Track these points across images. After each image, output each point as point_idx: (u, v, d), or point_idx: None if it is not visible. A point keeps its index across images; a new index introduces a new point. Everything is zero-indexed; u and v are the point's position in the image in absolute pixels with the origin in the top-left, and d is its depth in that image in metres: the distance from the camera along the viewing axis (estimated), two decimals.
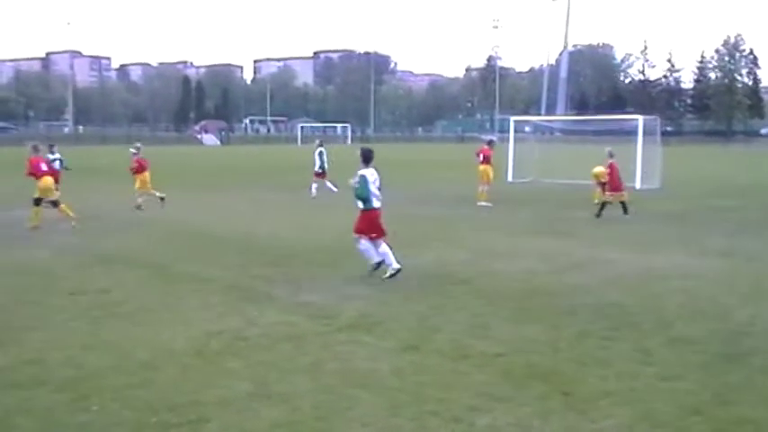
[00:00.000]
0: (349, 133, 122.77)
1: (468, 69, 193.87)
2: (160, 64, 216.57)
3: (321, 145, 27.53)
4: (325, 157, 26.93)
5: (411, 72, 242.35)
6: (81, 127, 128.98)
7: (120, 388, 6.91)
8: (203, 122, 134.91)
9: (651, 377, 7.26)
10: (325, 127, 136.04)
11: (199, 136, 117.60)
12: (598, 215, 20.30)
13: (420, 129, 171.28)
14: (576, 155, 48.82)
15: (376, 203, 12.18)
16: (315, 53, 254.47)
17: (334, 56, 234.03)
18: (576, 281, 11.93)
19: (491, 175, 24.78)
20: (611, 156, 21.10)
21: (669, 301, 10.54)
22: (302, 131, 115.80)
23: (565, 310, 9.96)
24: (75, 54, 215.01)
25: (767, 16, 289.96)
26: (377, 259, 12.01)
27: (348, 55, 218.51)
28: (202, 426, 6.11)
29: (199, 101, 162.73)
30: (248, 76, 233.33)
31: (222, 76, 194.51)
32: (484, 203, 23.50)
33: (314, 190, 26.22)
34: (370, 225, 12.11)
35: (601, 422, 6.16)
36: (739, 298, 10.75)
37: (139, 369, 7.45)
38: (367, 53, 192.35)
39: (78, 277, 12.11)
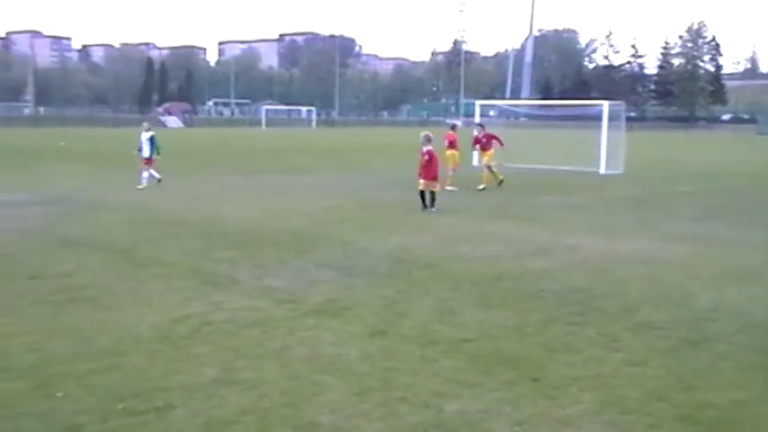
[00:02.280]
0: (314, 116, 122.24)
1: (433, 53, 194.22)
2: (123, 45, 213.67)
3: (150, 129, 24.35)
4: (157, 142, 23.90)
5: (376, 56, 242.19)
6: (41, 108, 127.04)
7: (85, 374, 6.80)
8: (167, 104, 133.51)
9: (618, 363, 7.31)
10: (290, 110, 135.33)
11: (162, 118, 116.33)
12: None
13: (385, 113, 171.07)
14: (540, 140, 49.12)
15: None
16: (280, 36, 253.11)
17: (299, 38, 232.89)
18: (541, 266, 11.98)
19: (457, 159, 24.82)
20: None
21: (634, 286, 10.62)
22: (267, 114, 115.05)
23: (531, 296, 9.99)
24: (36, 34, 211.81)
25: (730, 4, 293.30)
26: None
27: (313, 38, 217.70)
28: (169, 412, 6.03)
29: (162, 83, 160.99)
30: (212, 58, 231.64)
31: (186, 57, 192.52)
32: (450, 188, 23.52)
33: (144, 179, 23.16)
34: None
35: (570, 407, 6.18)
36: (703, 283, 10.86)
37: (104, 355, 7.33)
38: (332, 36, 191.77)
39: (39, 261, 11.90)
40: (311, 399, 6.34)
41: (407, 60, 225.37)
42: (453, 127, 26.32)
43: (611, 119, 32.96)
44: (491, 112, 47.38)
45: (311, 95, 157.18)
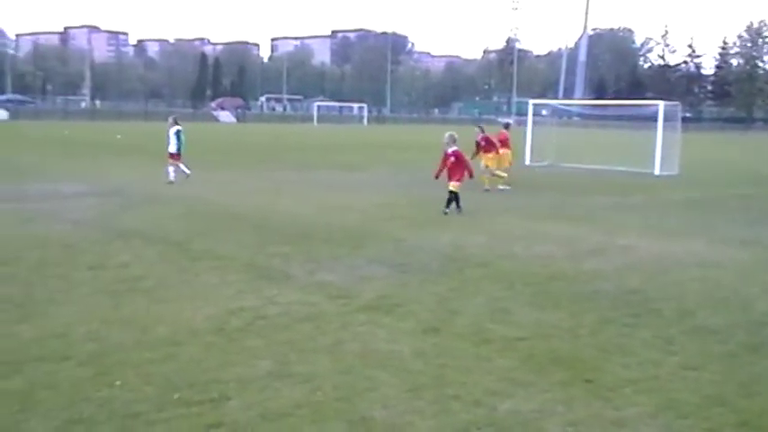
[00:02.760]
0: (365, 113, 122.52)
1: (485, 51, 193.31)
2: (177, 40, 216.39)
3: (177, 123, 23.97)
4: (183, 138, 23.50)
5: (428, 53, 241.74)
6: (98, 102, 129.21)
7: (143, 363, 6.92)
8: (220, 99, 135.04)
9: (674, 366, 7.21)
10: (342, 106, 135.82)
11: (215, 113, 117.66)
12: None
13: (436, 110, 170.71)
14: (594, 140, 48.58)
15: None
16: (332, 32, 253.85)
17: (352, 35, 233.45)
18: (595, 266, 11.87)
19: (510, 159, 24.70)
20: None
21: (689, 289, 10.46)
22: (318, 111, 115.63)
23: (585, 296, 9.91)
24: (93, 29, 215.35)
25: None
26: None
27: (365, 35, 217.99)
28: (224, 404, 6.11)
29: (215, 78, 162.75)
30: (265, 54, 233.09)
31: (239, 53, 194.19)
32: (502, 187, 23.41)
33: (171, 173, 22.92)
34: None
35: (625, 410, 6.12)
36: (762, 288, 10.66)
37: (161, 345, 7.45)
38: (384, 33, 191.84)
39: (98, 252, 12.12)
40: (364, 394, 6.37)
41: (459, 58, 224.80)
42: (507, 126, 26.22)
43: (666, 119, 32.50)
44: (543, 111, 46.94)
45: (363, 92, 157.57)
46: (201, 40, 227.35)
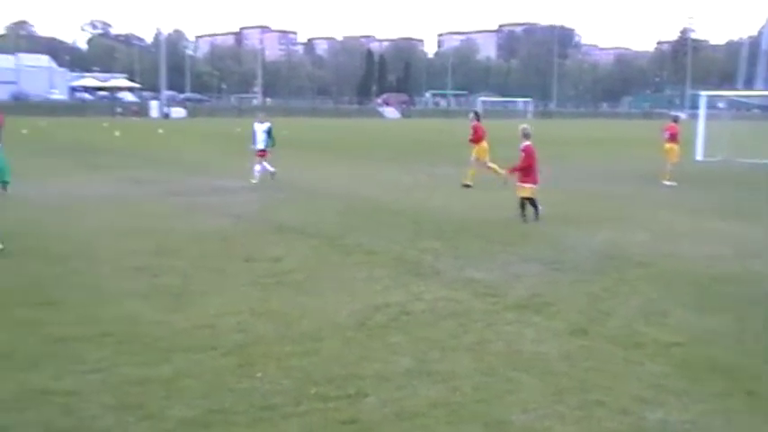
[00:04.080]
0: (531, 108, 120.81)
1: (658, 42, 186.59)
2: (345, 38, 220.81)
3: (265, 120, 22.90)
4: (273, 134, 22.43)
5: (596, 46, 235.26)
6: (269, 99, 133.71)
7: (284, 356, 6.98)
8: (385, 95, 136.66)
9: None
10: (507, 101, 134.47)
11: (380, 109, 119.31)
12: None
13: (605, 104, 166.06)
14: None
15: None
16: (498, 26, 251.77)
17: (518, 29, 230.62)
18: (765, 269, 11.07)
19: (677, 153, 23.60)
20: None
21: None
22: (483, 106, 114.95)
23: (751, 300, 9.24)
24: (265, 29, 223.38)
25: None
26: None
27: (532, 28, 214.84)
28: (360, 400, 6.05)
29: (381, 74, 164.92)
30: (430, 49, 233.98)
31: (405, 49, 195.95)
32: (668, 182, 22.39)
33: (257, 172, 21.90)
34: None
35: None
36: None
37: (303, 339, 7.50)
38: (551, 26, 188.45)
39: (253, 244, 12.44)
40: (504, 396, 6.15)
41: (629, 50, 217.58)
42: (676, 119, 25.05)
43: None
44: (719, 104, 44.62)
45: (528, 87, 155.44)
46: (368, 37, 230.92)
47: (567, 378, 6.54)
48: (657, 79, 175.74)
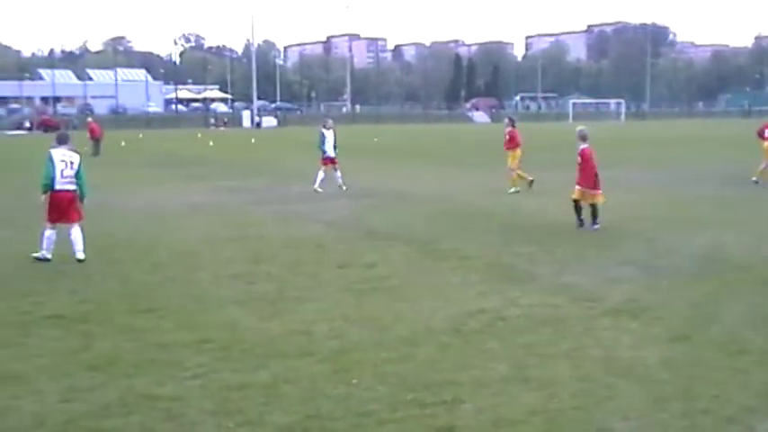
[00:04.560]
0: (623, 109, 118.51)
1: (757, 37, 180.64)
2: (433, 43, 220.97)
3: (331, 127, 22.56)
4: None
5: (692, 43, 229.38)
6: (358, 106, 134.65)
7: (379, 363, 6.99)
8: (474, 100, 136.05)
9: None
10: (598, 103, 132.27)
11: (470, 113, 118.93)
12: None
13: (701, 103, 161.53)
14: None
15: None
16: (588, 27, 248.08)
17: (608, 29, 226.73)
18: None
19: None
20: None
21: None
22: (573, 108, 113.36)
23: None
24: (354, 37, 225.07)
25: None
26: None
27: (623, 27, 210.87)
28: (457, 407, 6.01)
29: (470, 79, 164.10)
30: (519, 52, 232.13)
31: (493, 53, 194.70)
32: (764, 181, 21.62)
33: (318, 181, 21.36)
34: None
35: None
36: None
37: (398, 345, 7.50)
38: (643, 25, 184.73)
39: (346, 251, 12.53)
40: (603, 403, 6.02)
41: (727, 47, 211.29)
42: None
43: None
44: None
45: (620, 87, 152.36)
46: (456, 41, 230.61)
47: (668, 385, 6.36)
48: (757, 76, 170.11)
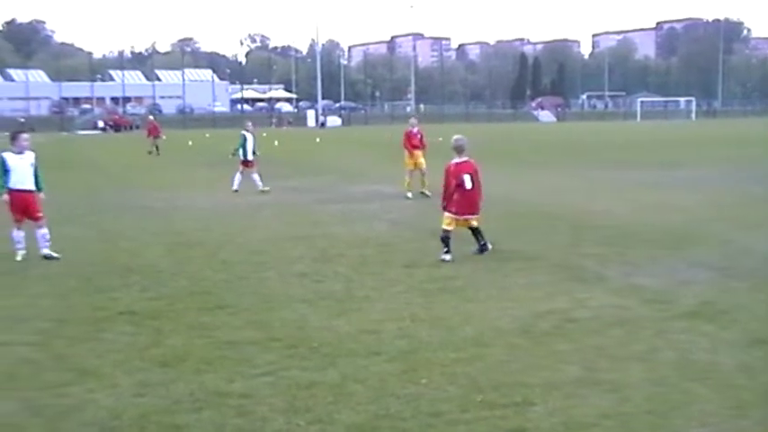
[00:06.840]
0: (693, 107, 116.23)
1: None
2: (497, 42, 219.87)
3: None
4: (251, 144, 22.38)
5: (767, 39, 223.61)
6: (422, 105, 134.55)
7: (448, 363, 6.94)
8: (539, 99, 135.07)
9: None
10: (667, 101, 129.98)
11: (535, 112, 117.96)
12: None
13: None
14: None
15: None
16: (657, 24, 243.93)
17: (678, 26, 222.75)
18: None
19: None
20: None
21: None
22: (641, 107, 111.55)
23: None
24: (418, 36, 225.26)
25: None
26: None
27: (694, 24, 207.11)
28: (527, 409, 5.93)
29: (535, 77, 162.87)
30: (586, 50, 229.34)
31: (559, 51, 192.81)
32: None
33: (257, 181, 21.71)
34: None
35: None
36: None
37: (467, 345, 7.44)
38: (716, 20, 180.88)
39: (412, 251, 12.49)
40: (679, 408, 5.88)
41: None
42: None
43: None
44: None
45: (690, 85, 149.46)
46: (521, 40, 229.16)
47: (747, 391, 6.18)
48: None
